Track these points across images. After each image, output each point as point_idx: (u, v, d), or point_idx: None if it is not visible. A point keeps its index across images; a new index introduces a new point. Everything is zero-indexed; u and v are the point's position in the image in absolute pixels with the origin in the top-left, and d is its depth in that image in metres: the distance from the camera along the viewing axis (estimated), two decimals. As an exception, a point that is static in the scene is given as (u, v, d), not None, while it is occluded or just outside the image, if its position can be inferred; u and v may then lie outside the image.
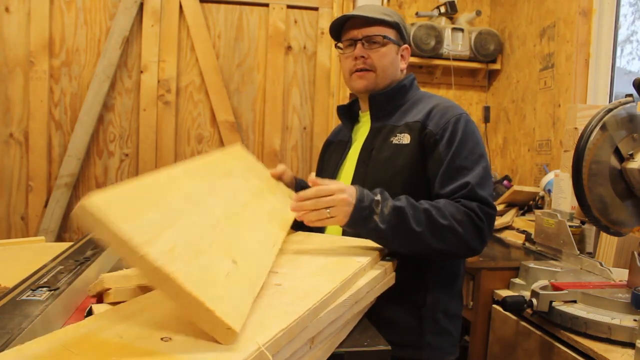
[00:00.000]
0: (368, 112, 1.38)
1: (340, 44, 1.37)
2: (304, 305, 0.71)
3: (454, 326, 1.31)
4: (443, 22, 3.03)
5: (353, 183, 1.31)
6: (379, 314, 1.12)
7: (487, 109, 3.17)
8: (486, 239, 1.18)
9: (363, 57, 1.31)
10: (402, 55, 1.38)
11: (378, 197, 1.08)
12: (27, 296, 0.89)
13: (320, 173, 1.51)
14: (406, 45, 1.39)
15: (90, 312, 0.89)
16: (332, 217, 1.02)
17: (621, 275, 1.48)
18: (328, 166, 1.47)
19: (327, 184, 1.05)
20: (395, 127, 1.31)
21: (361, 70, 1.32)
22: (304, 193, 1.03)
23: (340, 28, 1.37)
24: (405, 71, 1.42)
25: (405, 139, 1.27)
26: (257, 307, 0.68)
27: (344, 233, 1.27)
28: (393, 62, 1.34)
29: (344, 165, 1.40)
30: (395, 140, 1.28)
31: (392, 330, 1.14)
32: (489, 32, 3.06)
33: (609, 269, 1.53)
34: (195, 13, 2.58)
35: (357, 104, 1.45)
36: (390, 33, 1.33)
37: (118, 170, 2.58)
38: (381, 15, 1.31)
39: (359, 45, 1.31)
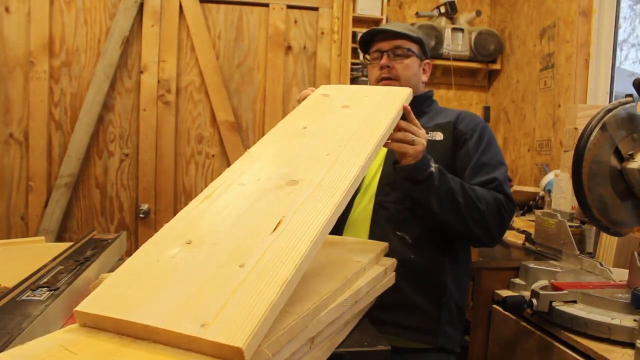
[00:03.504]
0: None
1: (368, 56, 1.49)
2: (304, 305, 0.71)
3: (460, 319, 1.38)
4: (443, 22, 3.03)
5: (382, 175, 1.38)
6: (403, 298, 1.24)
7: (487, 109, 3.18)
8: (504, 230, 1.31)
9: (388, 67, 1.41)
10: (423, 69, 1.49)
11: (430, 156, 1.21)
12: (27, 296, 0.89)
13: None
14: (428, 60, 1.51)
15: (90, 312, 0.89)
16: (413, 145, 1.15)
17: (621, 275, 1.48)
18: None
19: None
20: (424, 127, 1.37)
21: (387, 79, 1.42)
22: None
23: (370, 41, 1.48)
24: (425, 85, 1.53)
25: (438, 136, 1.38)
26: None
27: (371, 232, 1.33)
28: (416, 74, 1.45)
29: None
30: (427, 137, 1.34)
31: (414, 316, 1.27)
32: (489, 32, 3.06)
33: (609, 269, 1.52)
34: (195, 13, 2.58)
35: None
36: (414, 47, 1.44)
37: (118, 170, 2.58)
38: (407, 30, 1.44)
39: (385, 56, 1.42)
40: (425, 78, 1.51)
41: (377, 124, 1.02)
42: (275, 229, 0.72)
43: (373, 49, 1.47)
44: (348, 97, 1.17)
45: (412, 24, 2.90)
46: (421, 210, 1.26)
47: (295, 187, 0.82)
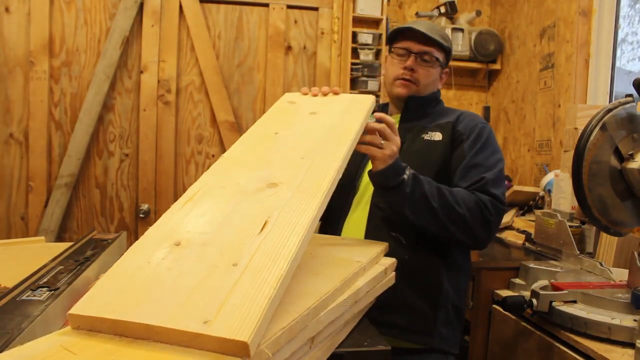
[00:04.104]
0: (397, 115, 1.46)
1: (393, 49, 1.45)
2: (303, 305, 0.71)
3: (459, 321, 1.36)
4: (443, 22, 3.03)
5: None
6: (399, 299, 1.23)
7: (487, 109, 3.17)
8: (493, 231, 1.27)
9: (412, 69, 1.40)
10: (441, 77, 1.49)
11: (405, 164, 1.21)
12: (27, 296, 0.89)
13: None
14: (447, 70, 1.50)
15: (90, 312, 0.89)
16: (381, 149, 1.13)
17: (621, 275, 1.48)
18: (354, 156, 1.51)
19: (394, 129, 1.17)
20: (425, 127, 1.41)
21: (407, 80, 1.41)
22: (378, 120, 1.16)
23: (397, 34, 1.44)
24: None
25: (437, 136, 1.37)
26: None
27: (367, 233, 1.32)
28: (435, 81, 1.46)
29: None
30: (426, 137, 1.38)
31: (410, 317, 1.27)
32: (489, 32, 3.06)
33: (609, 269, 1.53)
34: (195, 13, 2.58)
35: (386, 108, 1.53)
36: (441, 56, 1.43)
37: (118, 170, 2.57)
38: (440, 38, 1.40)
39: (412, 57, 1.40)
40: (440, 85, 1.50)
41: (347, 127, 1.06)
42: (262, 230, 0.74)
43: (401, 44, 1.42)
44: (315, 104, 1.19)
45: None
46: (397, 215, 1.25)
47: (275, 190, 0.84)
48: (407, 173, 1.19)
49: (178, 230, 0.77)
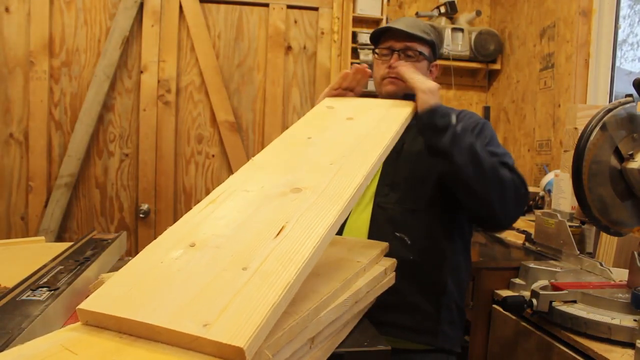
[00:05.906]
0: None
1: (377, 50, 1.44)
2: (304, 305, 0.71)
3: (461, 320, 1.37)
4: (443, 22, 3.03)
5: (381, 176, 1.36)
6: (403, 299, 1.24)
7: (487, 109, 3.17)
8: (520, 213, 1.28)
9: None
10: (431, 71, 1.45)
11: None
12: (27, 296, 0.89)
13: None
14: (436, 63, 1.47)
15: (90, 312, 0.89)
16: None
17: (621, 275, 1.48)
18: None
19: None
20: None
21: (394, 78, 1.38)
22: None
23: (381, 36, 1.43)
24: None
25: None
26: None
27: (370, 234, 1.31)
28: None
29: None
30: None
31: (413, 317, 1.27)
32: (489, 32, 3.06)
33: (609, 269, 1.53)
34: (195, 13, 2.58)
35: None
36: (426, 50, 1.40)
37: (118, 170, 2.57)
38: (421, 32, 1.38)
39: (395, 55, 1.38)
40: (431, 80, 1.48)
41: (381, 136, 1.04)
42: (278, 234, 0.73)
43: (384, 44, 1.41)
44: (353, 109, 1.18)
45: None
46: (443, 166, 1.23)
47: (298, 195, 0.83)
48: (454, 117, 1.18)
49: (195, 232, 0.77)
